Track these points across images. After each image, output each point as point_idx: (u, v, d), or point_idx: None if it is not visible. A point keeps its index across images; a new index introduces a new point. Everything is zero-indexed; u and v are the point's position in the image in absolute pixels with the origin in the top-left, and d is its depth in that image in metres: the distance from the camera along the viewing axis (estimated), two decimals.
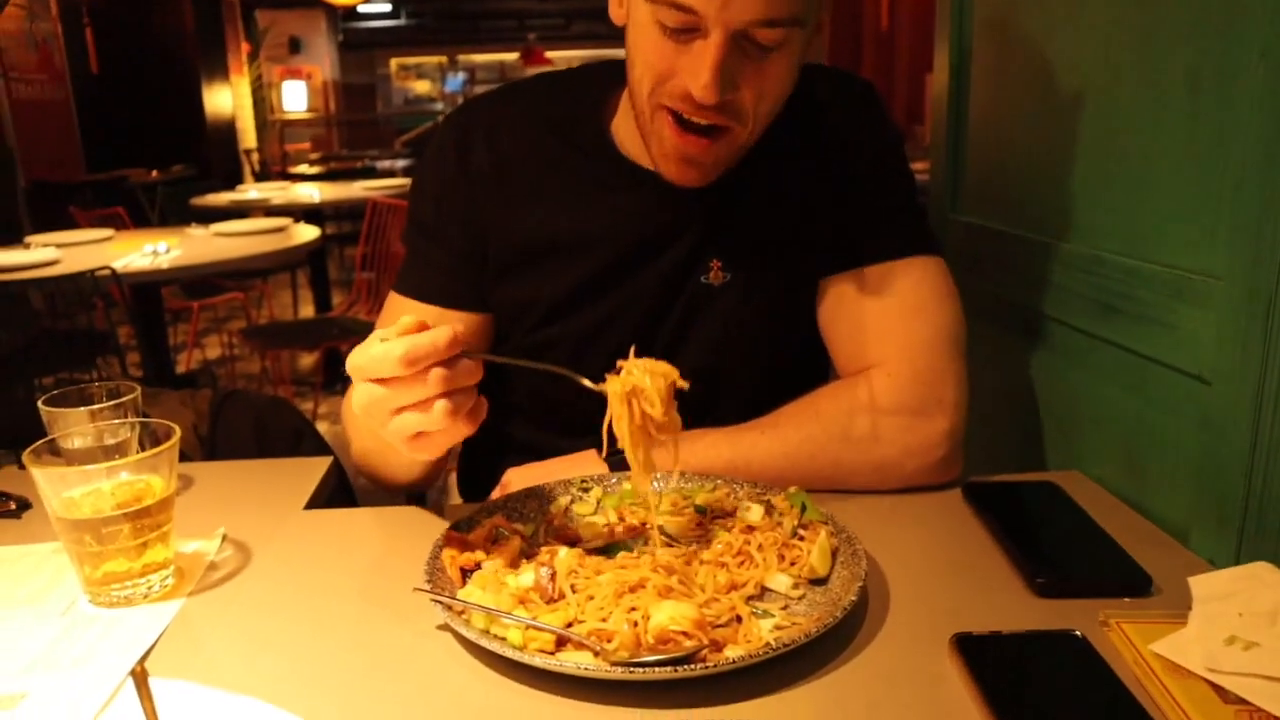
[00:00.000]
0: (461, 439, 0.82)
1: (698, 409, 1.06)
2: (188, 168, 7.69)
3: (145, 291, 3.63)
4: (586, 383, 0.80)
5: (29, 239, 3.80)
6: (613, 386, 0.80)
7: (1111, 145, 1.07)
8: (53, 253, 3.33)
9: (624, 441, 0.80)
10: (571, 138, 1.08)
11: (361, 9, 12.96)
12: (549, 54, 16.75)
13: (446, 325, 0.77)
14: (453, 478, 1.31)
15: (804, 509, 0.88)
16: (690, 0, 0.85)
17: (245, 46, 9.82)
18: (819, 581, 0.81)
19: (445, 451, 0.87)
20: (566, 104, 1.10)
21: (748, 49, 0.88)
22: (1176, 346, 0.95)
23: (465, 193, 1.08)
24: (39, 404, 0.96)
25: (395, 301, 1.12)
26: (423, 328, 0.78)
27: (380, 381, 0.77)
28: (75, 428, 0.93)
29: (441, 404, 0.76)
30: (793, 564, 0.82)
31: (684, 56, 0.88)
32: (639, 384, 0.79)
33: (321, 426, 4.04)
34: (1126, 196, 1.04)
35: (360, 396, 0.79)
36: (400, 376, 0.75)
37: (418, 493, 1.21)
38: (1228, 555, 0.88)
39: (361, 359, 0.77)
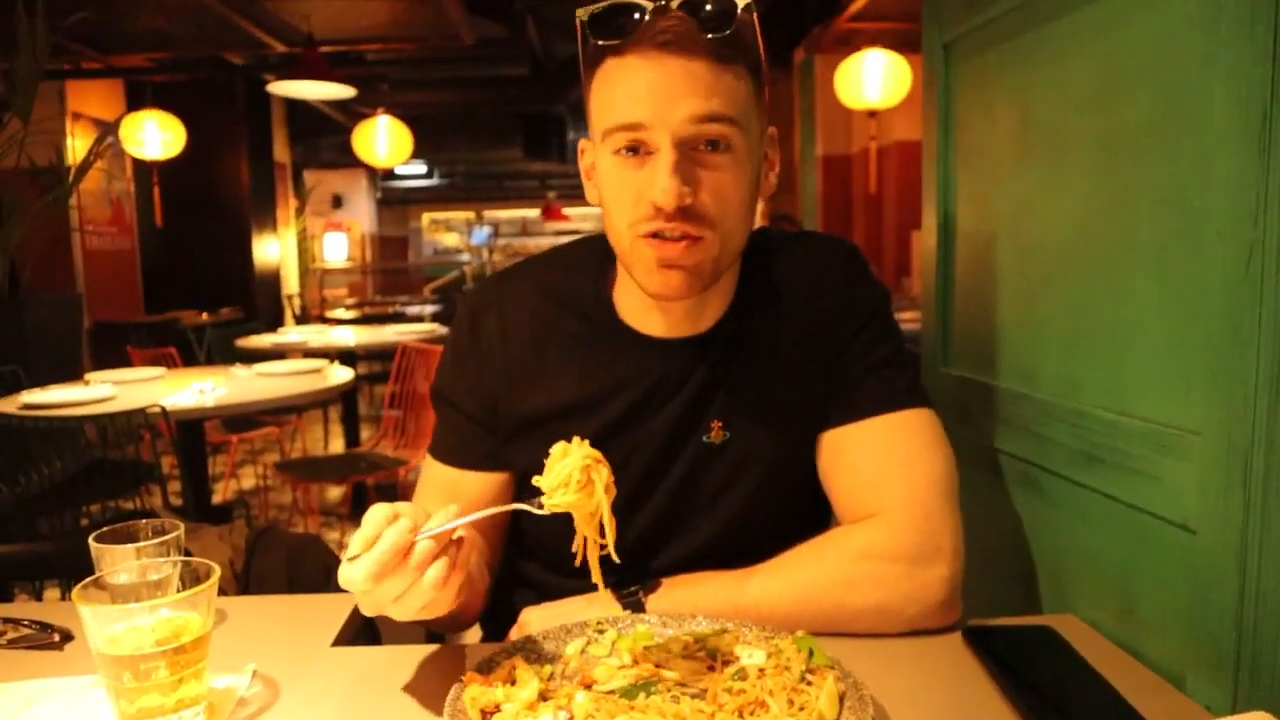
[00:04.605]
0: (458, 586, 0.84)
1: (705, 560, 1.05)
2: (235, 310, 7.84)
3: (190, 426, 3.64)
4: (533, 509, 0.85)
5: (88, 376, 3.85)
6: (567, 501, 0.84)
7: (1088, 306, 1.09)
8: (109, 389, 3.37)
9: (587, 538, 0.87)
10: (575, 307, 1.10)
11: (399, 170, 13.46)
12: (566, 210, 17.29)
13: (398, 524, 0.80)
14: None
15: (811, 654, 0.85)
16: (633, 116, 0.91)
17: (294, 202, 10.15)
18: None
19: (461, 595, 0.89)
20: (569, 275, 1.12)
21: (696, 156, 0.92)
22: (1160, 497, 0.94)
23: (476, 365, 1.11)
24: (90, 541, 0.95)
25: (428, 463, 1.15)
26: (395, 520, 0.80)
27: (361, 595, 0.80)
28: (121, 564, 0.92)
29: (428, 579, 0.79)
30: (802, 709, 0.79)
31: (644, 174, 0.93)
32: (575, 503, 0.84)
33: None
34: (1105, 354, 1.05)
35: (361, 605, 0.83)
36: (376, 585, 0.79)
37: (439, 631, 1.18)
38: (1224, 702, 0.85)
39: (344, 582, 0.80)
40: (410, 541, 0.79)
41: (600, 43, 0.93)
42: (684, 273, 0.96)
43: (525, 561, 1.15)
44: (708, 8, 0.90)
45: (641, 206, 0.94)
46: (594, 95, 0.97)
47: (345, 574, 0.79)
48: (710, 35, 0.89)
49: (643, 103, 0.91)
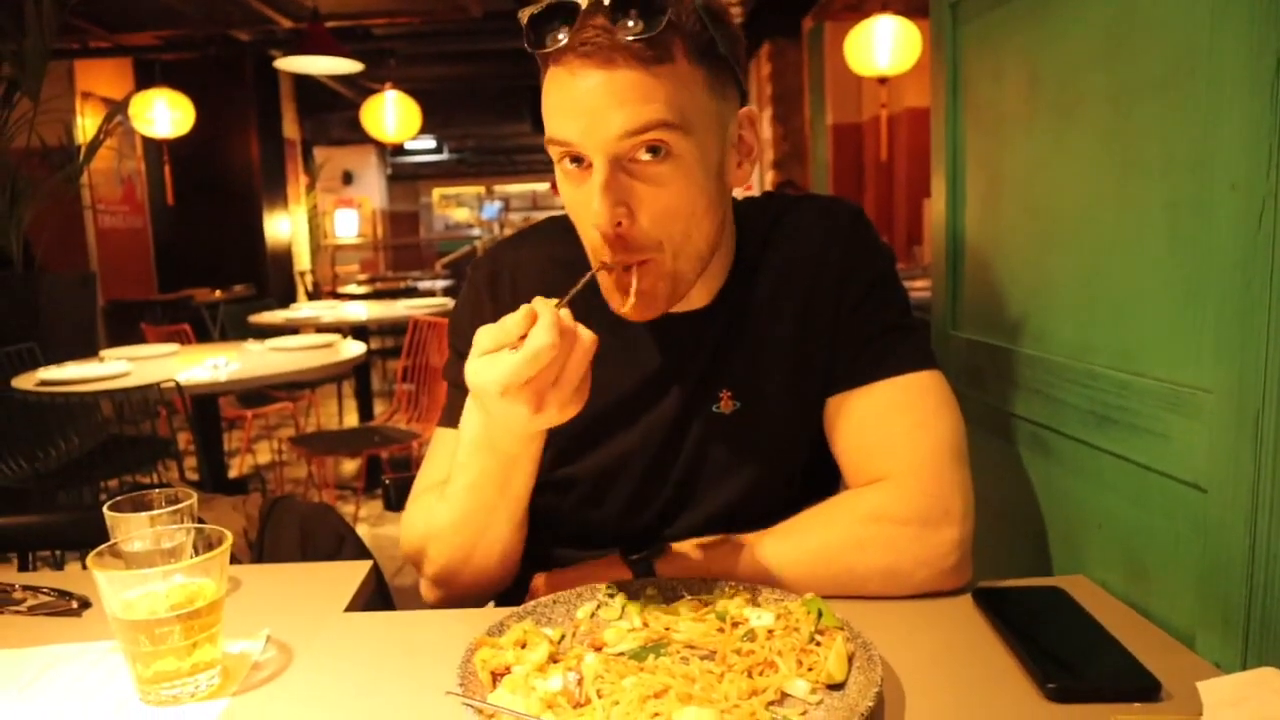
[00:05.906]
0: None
1: (717, 528, 1.04)
2: (247, 288, 7.87)
3: (205, 401, 3.67)
4: None
5: (103, 353, 3.87)
6: None
7: (1099, 267, 1.07)
8: (124, 365, 3.39)
9: None
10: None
11: (408, 145, 13.42)
12: None
13: (537, 298, 0.79)
14: None
15: (820, 615, 0.85)
16: (564, 134, 0.88)
17: (304, 179, 10.14)
18: (836, 686, 0.78)
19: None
20: (575, 250, 1.07)
21: (636, 170, 0.88)
22: (1171, 456, 0.93)
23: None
24: (104, 509, 0.96)
25: (441, 434, 1.12)
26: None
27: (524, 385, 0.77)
28: (136, 532, 0.93)
29: (585, 337, 0.79)
30: (810, 669, 0.79)
31: (584, 191, 0.90)
32: None
33: (362, 529, 4.02)
34: (1116, 315, 1.04)
35: (514, 410, 0.80)
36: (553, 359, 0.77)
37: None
38: (1234, 659, 0.84)
39: (513, 367, 0.77)
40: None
41: (533, 51, 0.89)
42: (642, 298, 0.94)
43: (555, 546, 1.12)
44: (630, 12, 0.83)
45: (590, 233, 0.92)
46: (543, 99, 0.92)
47: (523, 356, 0.76)
48: (634, 40, 0.83)
49: (571, 119, 0.86)
